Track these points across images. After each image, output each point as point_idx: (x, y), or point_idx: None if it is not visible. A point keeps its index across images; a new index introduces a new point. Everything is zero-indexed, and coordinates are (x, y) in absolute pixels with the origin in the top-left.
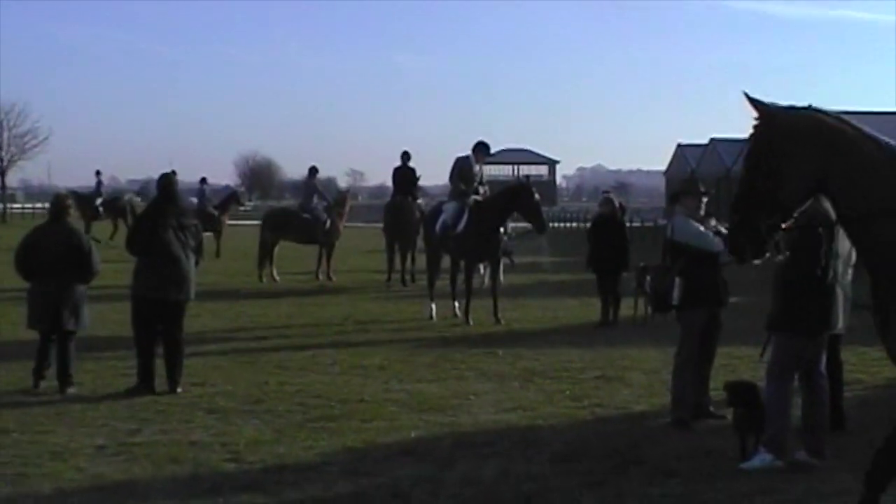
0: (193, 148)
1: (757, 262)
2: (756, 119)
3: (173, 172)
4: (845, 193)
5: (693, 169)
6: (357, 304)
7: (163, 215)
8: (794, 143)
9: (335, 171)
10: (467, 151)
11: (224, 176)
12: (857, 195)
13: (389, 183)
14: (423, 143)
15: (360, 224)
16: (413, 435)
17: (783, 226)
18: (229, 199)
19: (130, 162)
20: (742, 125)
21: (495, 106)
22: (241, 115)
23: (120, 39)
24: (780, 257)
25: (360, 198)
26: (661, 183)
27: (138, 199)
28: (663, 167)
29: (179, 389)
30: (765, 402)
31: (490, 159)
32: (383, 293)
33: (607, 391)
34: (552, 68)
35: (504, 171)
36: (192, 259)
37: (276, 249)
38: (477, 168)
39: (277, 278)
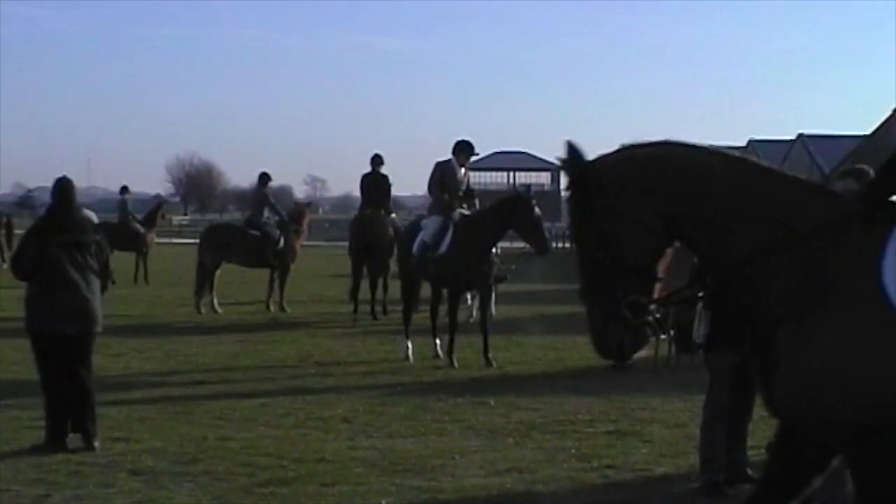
0: (116, 148)
1: (639, 355)
2: (568, 183)
3: (66, 178)
4: (704, 235)
5: None
6: (317, 342)
7: (56, 231)
8: (615, 195)
9: (291, 178)
10: (449, 155)
11: (154, 184)
12: (719, 235)
13: (356, 193)
14: (398, 146)
15: (320, 243)
16: (384, 503)
17: (654, 294)
18: (154, 211)
19: (37, 165)
20: (786, 125)
21: (488, 100)
22: (176, 108)
23: (21, 15)
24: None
25: (321, 211)
26: None
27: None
28: None
29: (97, 444)
30: None
31: (481, 165)
32: (349, 328)
33: (622, 449)
34: (556, 56)
35: (498, 178)
36: (95, 284)
37: (218, 273)
38: (461, 173)
39: (219, 309)
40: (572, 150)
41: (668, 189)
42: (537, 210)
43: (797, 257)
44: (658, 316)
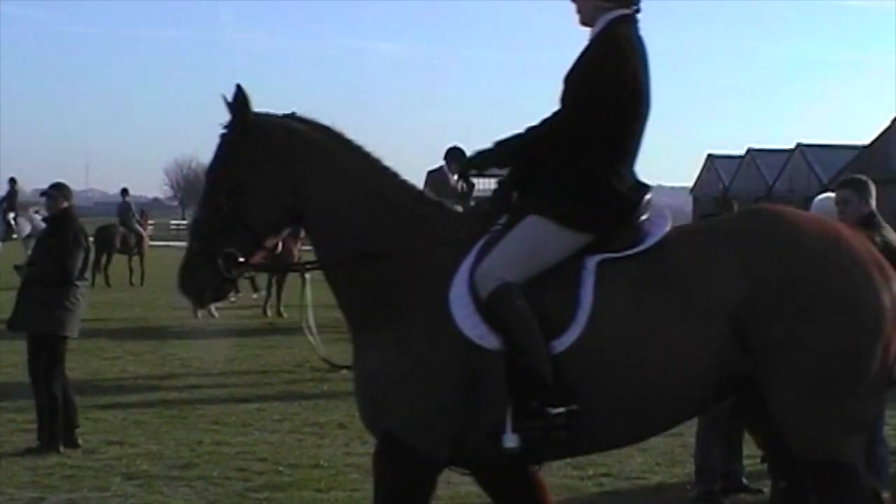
0: (114, 151)
1: (216, 306)
2: (227, 124)
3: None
4: (319, 225)
5: (726, 186)
6: (313, 348)
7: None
8: (266, 155)
9: None
10: (440, 162)
11: (152, 187)
12: (332, 230)
13: None
14: (397, 149)
15: None
16: None
17: (252, 259)
18: (141, 215)
19: (34, 168)
20: (786, 134)
21: (484, 105)
22: (174, 111)
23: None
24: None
25: None
26: (688, 202)
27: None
28: (689, 183)
29: (80, 442)
30: None
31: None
32: (346, 334)
33: (617, 457)
34: (554, 59)
35: (493, 184)
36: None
37: None
38: (454, 180)
39: (216, 314)
40: (243, 95)
41: (305, 172)
42: None
43: (388, 266)
44: (248, 277)
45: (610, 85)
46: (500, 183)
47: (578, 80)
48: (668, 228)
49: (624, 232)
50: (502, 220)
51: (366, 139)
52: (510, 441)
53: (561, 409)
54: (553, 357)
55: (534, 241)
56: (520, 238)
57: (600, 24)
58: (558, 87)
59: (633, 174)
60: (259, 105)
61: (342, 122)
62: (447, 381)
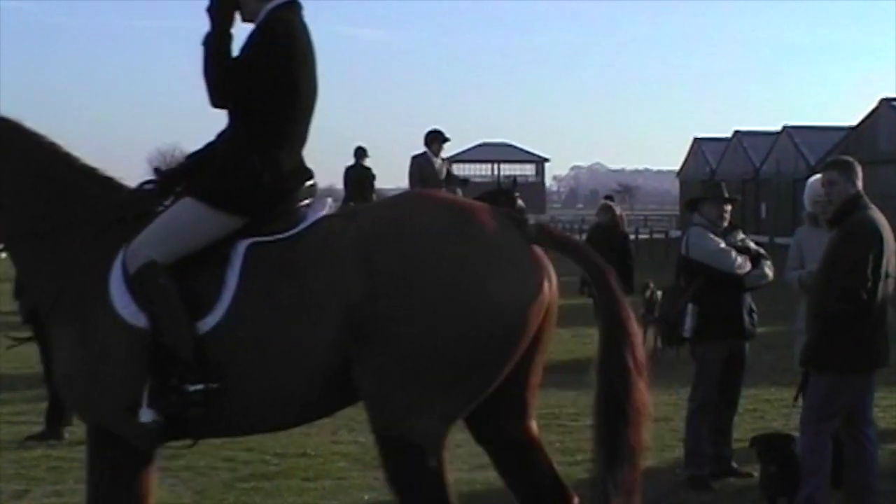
0: (97, 140)
1: None
2: None
3: None
4: None
5: (713, 169)
6: None
7: None
8: None
9: None
10: (423, 147)
11: (135, 176)
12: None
13: (339, 186)
14: (381, 137)
15: None
16: (366, 498)
17: None
18: None
19: None
20: (774, 115)
21: (472, 91)
22: (158, 99)
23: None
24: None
25: None
26: (674, 186)
27: None
28: (676, 166)
29: (66, 435)
30: (800, 457)
31: (465, 157)
32: None
33: None
34: (541, 46)
35: (481, 170)
36: None
37: None
38: (438, 163)
39: None
40: None
41: None
42: (520, 203)
43: (56, 247)
44: None
45: (259, 71)
46: (172, 168)
47: (233, 67)
48: (322, 214)
49: (280, 217)
50: (168, 202)
51: (349, 125)
52: (146, 416)
53: (199, 387)
54: (198, 337)
55: (183, 222)
56: (170, 218)
57: (262, 14)
58: (543, 73)
59: (295, 160)
60: None
61: (325, 107)
62: (127, 366)
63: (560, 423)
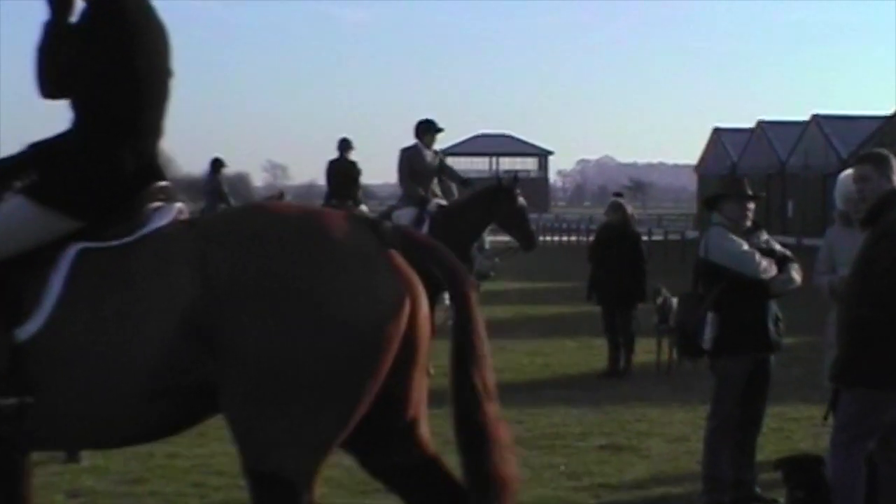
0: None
1: None
2: None
3: None
4: None
5: (734, 162)
6: None
7: None
8: None
9: (248, 164)
10: (413, 139)
11: None
12: None
13: (321, 181)
14: (367, 128)
15: None
16: None
17: None
18: None
19: None
20: (802, 103)
21: (469, 77)
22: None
23: None
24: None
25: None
26: (692, 181)
27: None
28: (694, 160)
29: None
30: (830, 482)
31: (461, 149)
32: None
33: (616, 465)
34: (545, 27)
35: (479, 164)
36: None
37: None
38: (429, 156)
39: None
40: None
41: None
42: (522, 200)
43: None
44: None
45: (90, 54)
46: (11, 157)
47: (70, 53)
48: (169, 219)
49: (121, 221)
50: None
51: (333, 114)
52: None
53: (12, 400)
54: (15, 346)
55: (11, 221)
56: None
57: None
58: (548, 57)
59: (142, 156)
60: (228, 70)
61: (305, 95)
62: None
63: (565, 443)
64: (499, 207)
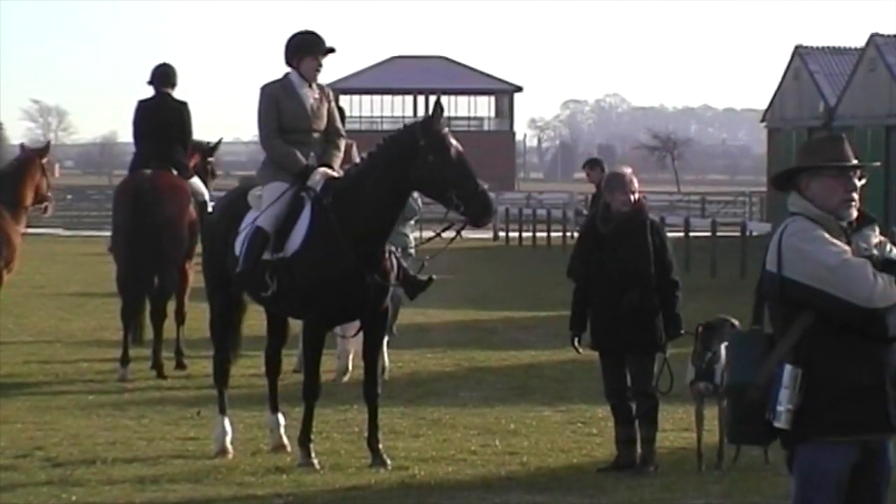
0: None
1: None
2: None
3: None
4: None
5: (830, 107)
6: (40, 416)
7: None
8: None
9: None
10: (284, 68)
11: None
12: None
13: (124, 136)
14: (206, 53)
15: (56, 230)
16: None
17: None
18: None
19: None
20: None
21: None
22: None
23: None
24: None
25: (57, 168)
26: (758, 139)
27: None
28: (762, 104)
29: None
30: None
31: (359, 83)
32: (105, 391)
33: None
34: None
35: (388, 105)
36: None
37: None
38: (315, 95)
39: None
40: None
41: None
42: (456, 144)
43: None
44: None
45: None
46: None
47: None
48: None
49: None
50: None
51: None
52: None
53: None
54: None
55: None
56: None
57: None
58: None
59: None
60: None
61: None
62: None
63: None
64: (420, 161)
